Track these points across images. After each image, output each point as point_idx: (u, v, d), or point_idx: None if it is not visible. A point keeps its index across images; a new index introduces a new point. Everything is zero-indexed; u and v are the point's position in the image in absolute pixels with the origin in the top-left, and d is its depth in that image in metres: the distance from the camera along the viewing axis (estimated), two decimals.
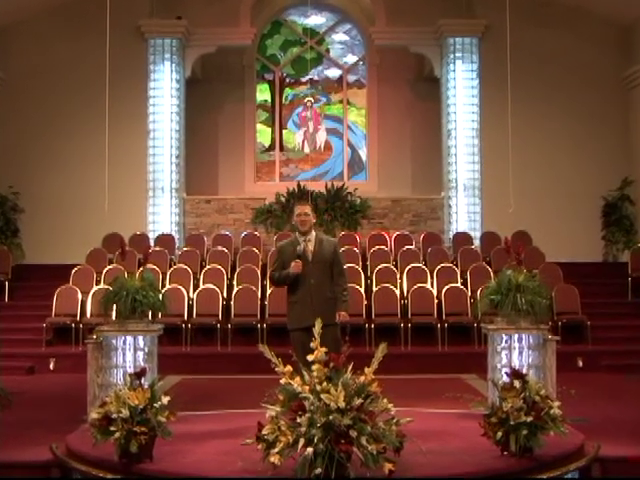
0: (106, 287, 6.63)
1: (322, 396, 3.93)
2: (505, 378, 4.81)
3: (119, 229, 12.23)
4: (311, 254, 5.92)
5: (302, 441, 3.82)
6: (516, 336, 6.13)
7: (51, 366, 9.74)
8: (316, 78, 15.10)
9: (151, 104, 13.46)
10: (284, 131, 15.12)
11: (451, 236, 13.25)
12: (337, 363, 4.06)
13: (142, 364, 6.04)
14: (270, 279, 6.14)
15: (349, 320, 5.94)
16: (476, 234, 13.22)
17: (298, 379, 4.06)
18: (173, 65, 13.44)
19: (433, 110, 14.03)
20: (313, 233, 6.02)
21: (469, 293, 10.81)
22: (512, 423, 4.36)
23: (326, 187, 13.76)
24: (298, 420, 3.89)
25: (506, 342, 6.13)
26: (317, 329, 4.21)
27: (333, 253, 6.00)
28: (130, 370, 5.88)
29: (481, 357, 6.92)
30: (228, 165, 14.53)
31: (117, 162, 12.82)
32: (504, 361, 6.11)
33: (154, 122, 13.43)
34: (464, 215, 13.40)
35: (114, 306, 6.33)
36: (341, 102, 15.07)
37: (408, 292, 10.82)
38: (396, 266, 11.80)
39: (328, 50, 15.15)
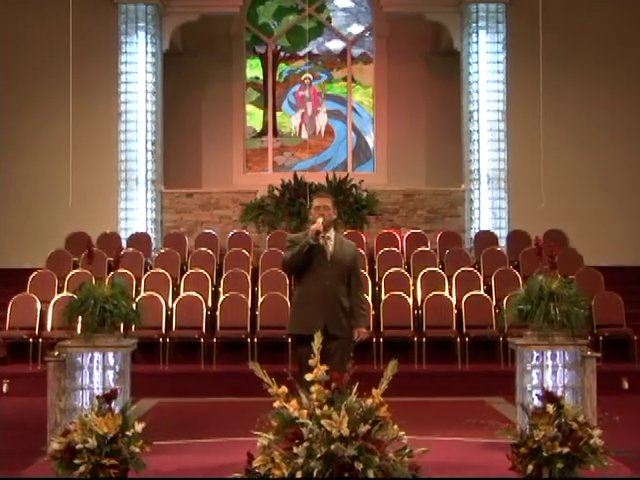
0: (70, 295, 6.62)
1: (323, 422, 3.93)
2: (536, 402, 4.83)
3: (85, 227, 12.21)
4: (330, 254, 5.94)
5: (299, 474, 3.83)
6: (549, 352, 6.12)
7: (4, 388, 9.67)
8: (315, 52, 15.14)
9: (123, 81, 13.42)
10: (278, 113, 15.15)
11: (473, 236, 13.23)
12: (340, 383, 4.06)
13: (112, 385, 6.03)
14: (283, 263, 6.13)
15: (367, 338, 5.98)
16: (502, 233, 13.19)
17: (294, 402, 4.07)
18: (148, 36, 13.39)
19: (452, 89, 13.98)
20: (333, 231, 6.07)
21: (494, 302, 10.75)
22: (545, 455, 4.39)
23: (327, 179, 13.67)
24: (294, 450, 3.90)
25: (537, 359, 6.12)
26: (317, 343, 4.23)
27: (353, 259, 6.07)
28: (98, 392, 5.87)
29: (508, 377, 6.87)
30: (213, 153, 14.53)
31: (83, 149, 12.84)
32: (535, 382, 6.09)
33: (126, 103, 13.40)
34: (488, 211, 13.36)
35: (79, 317, 6.30)
36: (345, 80, 15.12)
37: (422, 301, 10.80)
38: (408, 270, 11.78)
39: (330, 19, 15.18)
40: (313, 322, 5.55)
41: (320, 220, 5.85)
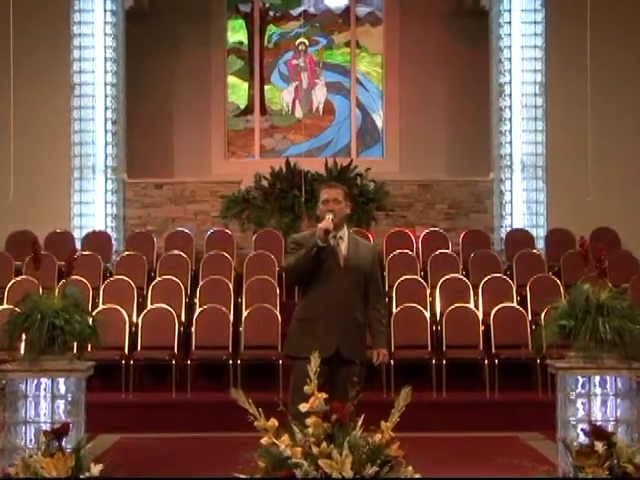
0: (11, 308, 6.62)
1: (320, 462, 3.93)
2: (582, 438, 4.81)
3: (30, 225, 12.16)
4: (343, 259, 5.94)
5: None
6: (597, 378, 6.10)
7: None
8: (312, 10, 15.11)
9: (76, 46, 13.37)
10: (266, 87, 15.09)
11: (503, 235, 13.24)
12: (342, 415, 4.07)
13: (63, 418, 5.98)
14: (286, 270, 6.13)
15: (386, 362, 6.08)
16: (539, 232, 13.20)
17: (286, 438, 4.06)
18: None
19: (478, 56, 13.98)
20: (345, 230, 6.06)
21: (529, 317, 10.81)
22: None
23: (326, 166, 13.64)
24: None
25: (583, 387, 6.10)
26: (313, 365, 4.23)
27: (371, 264, 6.07)
28: (46, 427, 5.79)
29: (547, 408, 6.96)
30: (187, 135, 14.45)
31: (27, 131, 12.86)
32: (580, 414, 6.06)
33: (80, 73, 13.35)
34: (522, 205, 13.35)
35: (23, 336, 6.27)
36: (348, 45, 15.09)
37: (442, 315, 10.85)
38: (425, 278, 11.80)
39: None
40: (324, 343, 5.49)
41: (329, 216, 5.82)
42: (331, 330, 5.75)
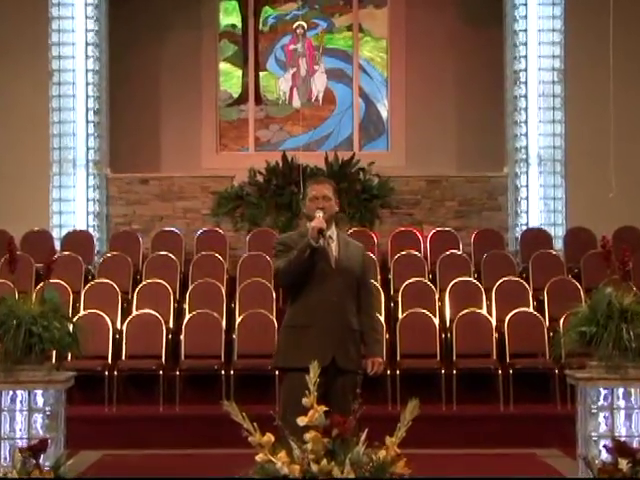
0: None
1: None
2: (604, 455, 4.80)
3: (5, 224, 12.11)
4: (334, 260, 5.93)
5: None
6: (621, 390, 6.14)
7: None
8: None
9: (54, 29, 13.25)
10: (262, 74, 15.00)
11: (518, 235, 13.18)
12: (343, 429, 4.07)
13: (41, 434, 5.96)
14: (277, 274, 6.13)
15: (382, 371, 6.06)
16: (557, 232, 13.16)
17: (283, 454, 4.07)
18: None
19: (491, 41, 13.91)
20: (334, 229, 6.05)
21: (546, 323, 10.80)
22: None
23: (326, 160, 13.65)
24: None
25: (605, 399, 6.13)
26: (313, 375, 4.25)
27: (362, 265, 6.06)
28: (22, 443, 5.81)
29: (566, 422, 6.98)
30: (176, 126, 14.40)
31: (2, 122, 12.82)
32: (603, 429, 6.08)
33: (59, 58, 13.25)
34: (539, 202, 13.27)
35: None
36: (350, 29, 15.02)
37: (452, 321, 10.83)
38: (434, 281, 11.81)
39: None
40: (319, 352, 5.41)
41: (320, 214, 5.80)
42: (326, 338, 5.73)
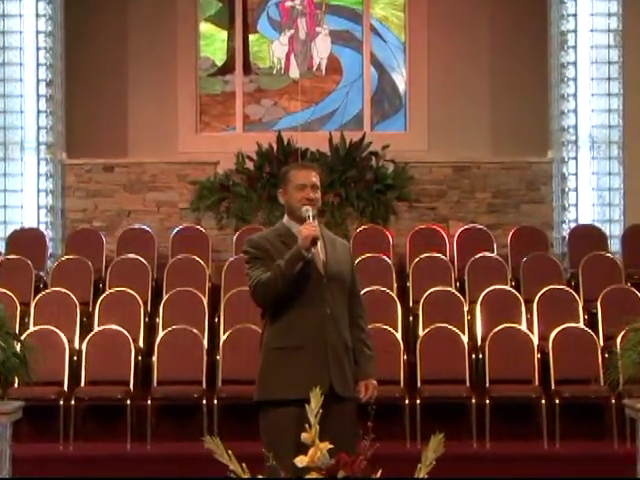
0: None
1: None
2: None
3: None
4: (323, 265, 5.90)
5: None
6: None
7: None
8: None
9: None
10: (252, 37, 15.08)
11: (566, 234, 13.32)
12: (352, 471, 4.26)
13: None
14: (254, 289, 5.88)
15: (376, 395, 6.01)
16: (613, 229, 13.31)
17: None
18: None
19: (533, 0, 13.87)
20: (317, 226, 5.91)
21: (600, 342, 10.89)
22: None
23: (331, 142, 13.72)
24: None
25: None
26: (314, 406, 4.44)
27: (351, 266, 6.11)
28: None
29: (625, 463, 7.27)
30: (146, 102, 14.41)
31: None
32: None
33: (4, 17, 13.53)
34: (591, 194, 13.42)
35: None
36: None
37: (485, 339, 10.94)
38: (462, 290, 12.01)
39: None
40: (315, 378, 5.46)
41: (310, 213, 5.77)
42: (321, 360, 5.82)
